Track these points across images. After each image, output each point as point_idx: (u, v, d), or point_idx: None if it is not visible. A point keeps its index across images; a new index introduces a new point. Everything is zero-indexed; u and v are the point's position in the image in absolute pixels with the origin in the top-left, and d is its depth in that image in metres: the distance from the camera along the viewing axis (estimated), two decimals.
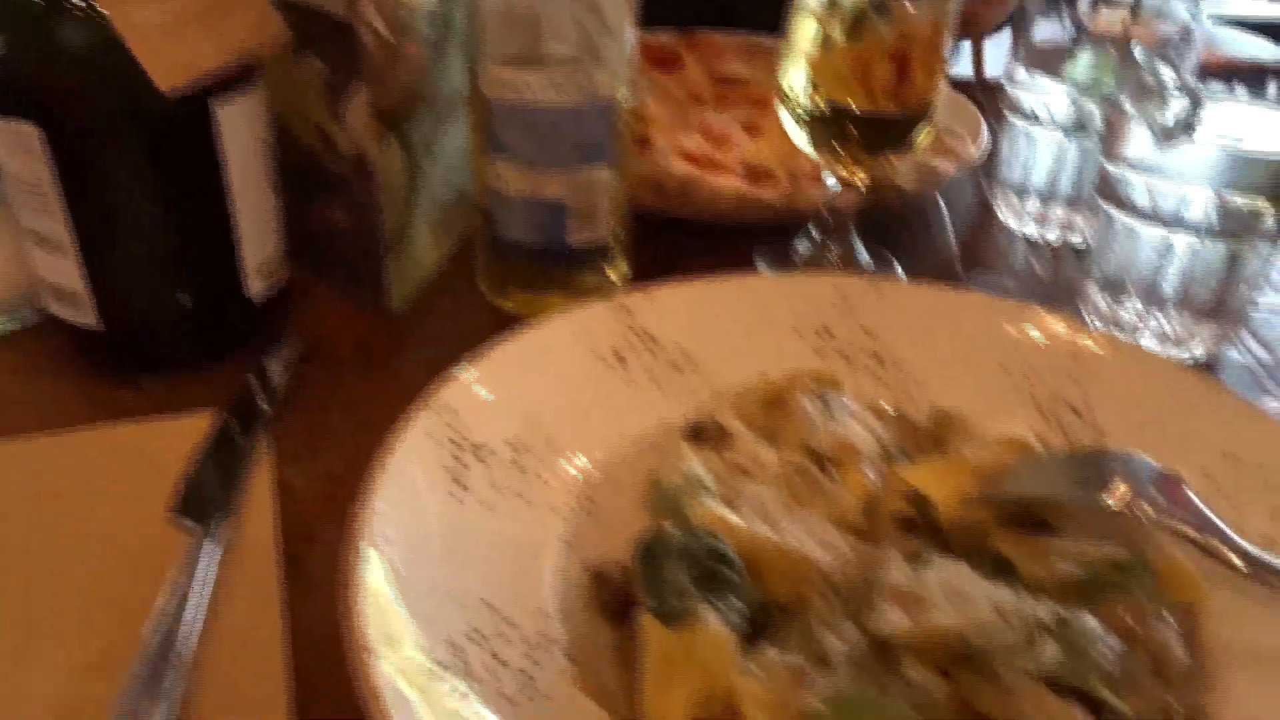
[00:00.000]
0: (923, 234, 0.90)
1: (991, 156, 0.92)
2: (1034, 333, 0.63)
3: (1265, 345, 0.76)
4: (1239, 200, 0.67)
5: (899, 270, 0.82)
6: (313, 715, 0.45)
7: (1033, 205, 0.88)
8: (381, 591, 0.43)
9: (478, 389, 0.55)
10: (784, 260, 0.81)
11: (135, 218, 0.61)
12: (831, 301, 0.65)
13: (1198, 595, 0.48)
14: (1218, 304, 0.71)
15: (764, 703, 0.42)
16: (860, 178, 0.76)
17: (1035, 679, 0.42)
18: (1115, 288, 0.73)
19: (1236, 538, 0.48)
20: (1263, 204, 0.67)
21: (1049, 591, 0.47)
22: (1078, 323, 0.64)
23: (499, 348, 0.58)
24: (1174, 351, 0.72)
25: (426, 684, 0.40)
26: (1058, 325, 0.63)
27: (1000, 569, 0.49)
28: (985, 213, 0.93)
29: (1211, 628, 0.47)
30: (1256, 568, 0.46)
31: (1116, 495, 0.49)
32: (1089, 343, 0.62)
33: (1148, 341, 0.72)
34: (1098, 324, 0.74)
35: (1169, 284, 0.70)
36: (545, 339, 0.60)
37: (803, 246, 0.82)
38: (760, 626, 0.46)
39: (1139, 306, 0.72)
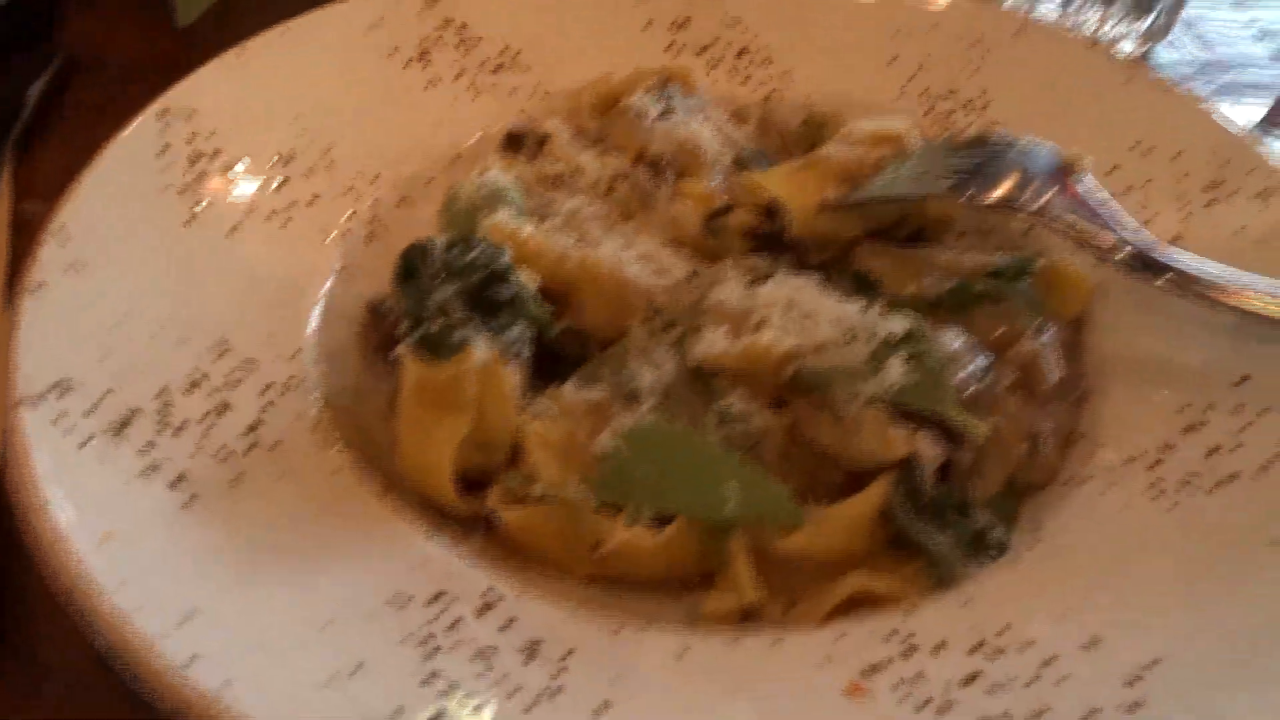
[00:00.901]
0: None
1: None
2: (929, 16, 0.53)
3: (1201, 41, 0.66)
4: None
5: None
6: None
7: None
8: (64, 332, 0.34)
9: (229, 87, 0.45)
10: None
11: None
12: None
13: (1086, 303, 0.40)
14: None
15: (551, 443, 0.35)
16: None
17: (881, 404, 0.35)
18: None
19: (1125, 228, 0.39)
20: None
21: (916, 307, 0.39)
22: (979, 4, 0.54)
23: (262, 37, 0.47)
24: None
25: (102, 443, 0.32)
26: (957, 7, 0.53)
27: (861, 285, 0.41)
28: None
29: (1097, 339, 0.40)
30: (1132, 260, 0.38)
31: (1001, 189, 0.41)
32: (991, 24, 0.52)
33: None
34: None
35: None
36: (326, 31, 0.48)
37: None
38: (568, 358, 0.39)
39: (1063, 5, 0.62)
